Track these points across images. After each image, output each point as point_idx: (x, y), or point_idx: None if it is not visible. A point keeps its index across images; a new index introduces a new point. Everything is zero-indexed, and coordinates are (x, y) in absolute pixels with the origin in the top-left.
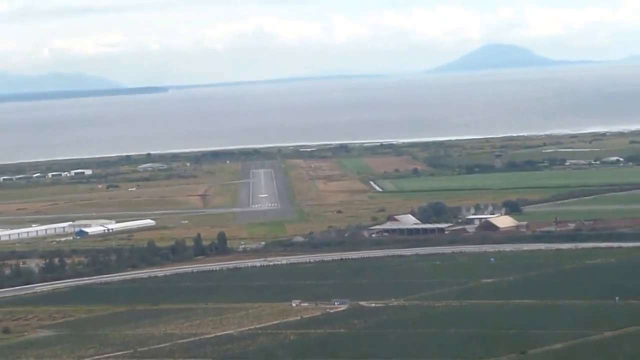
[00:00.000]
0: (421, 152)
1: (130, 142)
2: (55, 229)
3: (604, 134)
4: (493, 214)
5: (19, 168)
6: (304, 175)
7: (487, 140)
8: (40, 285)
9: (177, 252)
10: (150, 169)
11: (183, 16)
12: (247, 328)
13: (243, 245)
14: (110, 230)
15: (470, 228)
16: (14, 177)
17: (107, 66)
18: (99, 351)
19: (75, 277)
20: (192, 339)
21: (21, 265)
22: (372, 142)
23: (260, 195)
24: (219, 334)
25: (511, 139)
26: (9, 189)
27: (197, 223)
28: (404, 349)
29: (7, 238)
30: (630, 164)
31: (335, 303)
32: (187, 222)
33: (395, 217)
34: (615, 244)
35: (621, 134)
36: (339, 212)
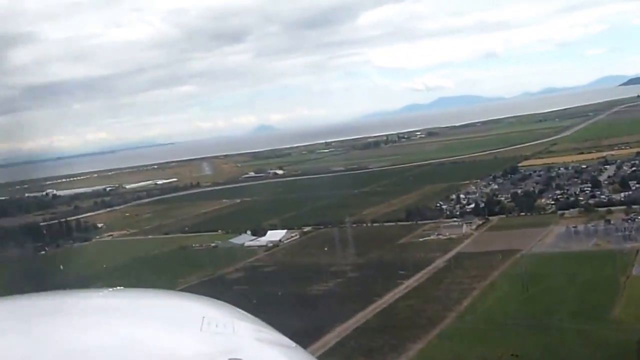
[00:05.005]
0: (269, 152)
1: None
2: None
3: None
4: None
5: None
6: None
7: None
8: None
9: (233, 182)
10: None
11: None
12: (248, 199)
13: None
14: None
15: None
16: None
17: None
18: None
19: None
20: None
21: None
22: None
23: None
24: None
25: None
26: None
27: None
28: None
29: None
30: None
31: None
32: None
33: (272, 170)
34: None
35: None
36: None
